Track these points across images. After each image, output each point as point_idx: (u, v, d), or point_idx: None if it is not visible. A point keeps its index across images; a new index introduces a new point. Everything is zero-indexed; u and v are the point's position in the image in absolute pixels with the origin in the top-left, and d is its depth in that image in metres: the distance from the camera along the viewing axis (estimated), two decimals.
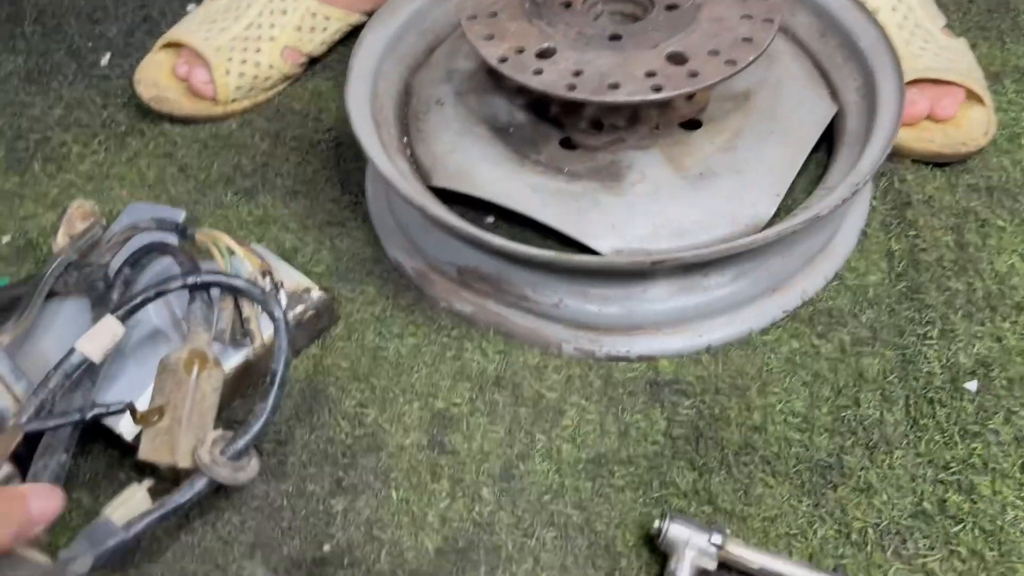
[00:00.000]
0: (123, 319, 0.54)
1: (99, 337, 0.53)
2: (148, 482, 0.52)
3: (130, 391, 0.58)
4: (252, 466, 0.53)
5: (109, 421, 0.56)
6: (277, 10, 0.84)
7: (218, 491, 0.56)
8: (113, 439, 0.59)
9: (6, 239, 0.75)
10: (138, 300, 0.55)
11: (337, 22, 0.87)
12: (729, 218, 0.63)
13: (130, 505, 0.51)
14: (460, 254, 0.66)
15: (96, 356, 0.53)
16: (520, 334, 0.66)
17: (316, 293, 0.65)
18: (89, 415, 0.53)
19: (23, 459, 0.53)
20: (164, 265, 0.63)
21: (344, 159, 0.80)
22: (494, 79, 0.73)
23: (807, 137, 0.68)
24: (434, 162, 0.69)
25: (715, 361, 0.64)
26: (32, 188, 0.80)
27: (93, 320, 0.59)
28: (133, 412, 0.52)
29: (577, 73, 0.60)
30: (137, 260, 0.61)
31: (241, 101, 0.84)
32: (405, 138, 0.73)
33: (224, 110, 0.83)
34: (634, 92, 0.59)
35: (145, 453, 0.53)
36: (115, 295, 0.60)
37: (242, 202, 0.77)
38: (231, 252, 0.58)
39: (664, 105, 0.68)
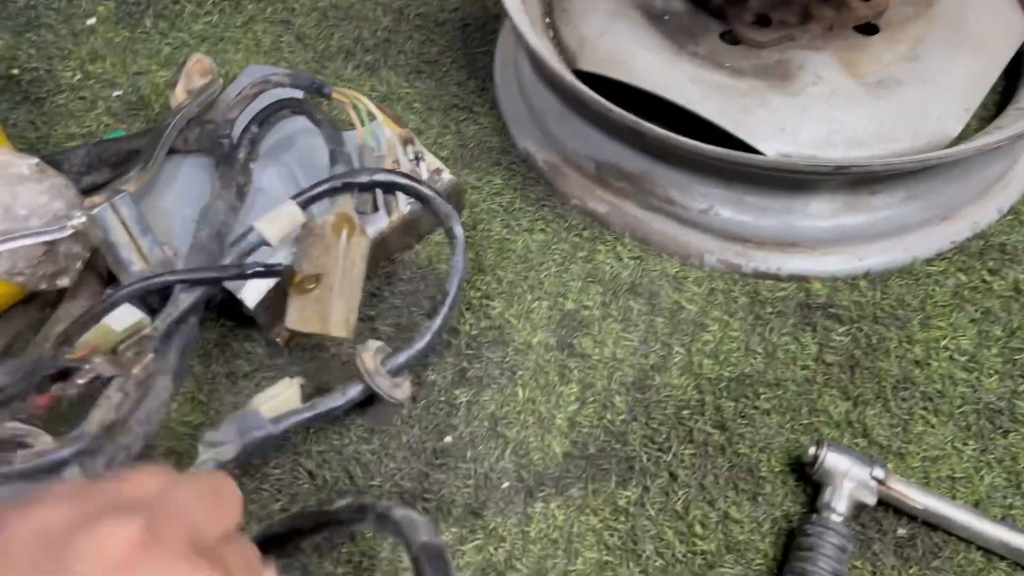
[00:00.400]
0: (303, 206, 0.50)
1: (279, 221, 0.49)
2: (299, 379, 0.49)
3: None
4: (406, 387, 0.49)
5: (233, 286, 0.53)
6: None
7: (361, 404, 0.51)
8: (228, 309, 0.56)
9: (117, 93, 0.72)
10: (320, 189, 0.50)
11: None
12: (910, 131, 0.57)
13: (280, 400, 0.47)
14: (602, 148, 0.61)
15: (274, 239, 0.49)
16: (658, 240, 0.61)
17: (447, 176, 0.60)
18: (250, 271, 0.48)
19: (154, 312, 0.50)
20: (296, 126, 0.59)
21: (470, 41, 0.75)
22: None
23: (1001, 52, 0.61)
24: (581, 45, 0.63)
25: (873, 288, 0.59)
26: (144, 44, 0.76)
27: (219, 179, 0.55)
28: (291, 276, 0.48)
29: None
30: (266, 118, 0.57)
31: None
32: (548, 18, 0.67)
33: None
34: None
35: (293, 322, 0.49)
36: (241, 154, 0.56)
37: (364, 76, 0.72)
38: (371, 116, 0.54)
39: (840, 4, 0.62)
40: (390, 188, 0.52)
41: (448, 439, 0.53)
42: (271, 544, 0.44)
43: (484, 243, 0.61)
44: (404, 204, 0.55)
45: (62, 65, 0.73)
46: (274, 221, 0.49)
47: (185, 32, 0.76)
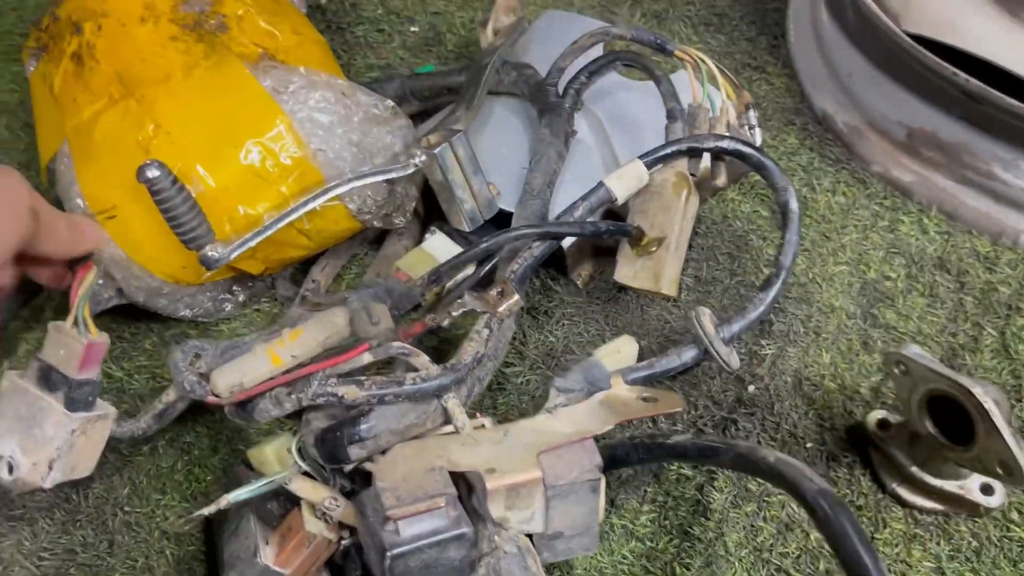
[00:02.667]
0: (649, 166, 0.51)
1: (626, 178, 0.50)
2: (635, 341, 0.50)
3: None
4: (736, 358, 0.49)
5: None
6: None
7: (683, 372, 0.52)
8: None
9: (414, 28, 0.74)
10: (668, 151, 0.51)
11: None
12: None
13: (619, 356, 0.49)
14: (917, 113, 0.59)
15: (621, 196, 0.50)
16: (967, 216, 0.59)
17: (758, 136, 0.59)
18: (604, 228, 0.50)
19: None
20: (608, 79, 0.59)
21: None
22: None
23: None
24: (907, 6, 0.61)
25: None
26: None
27: (546, 127, 0.56)
28: (639, 236, 0.49)
29: None
30: (598, 69, 0.57)
31: None
32: None
33: None
34: None
35: (623, 277, 0.50)
36: (567, 103, 0.57)
37: (651, 25, 0.72)
38: (711, 79, 0.53)
39: None
40: (733, 155, 0.52)
41: (752, 388, 0.53)
42: (613, 463, 0.45)
43: None
44: (722, 172, 0.54)
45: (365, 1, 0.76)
46: (622, 178, 0.50)
47: None
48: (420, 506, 0.38)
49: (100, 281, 0.52)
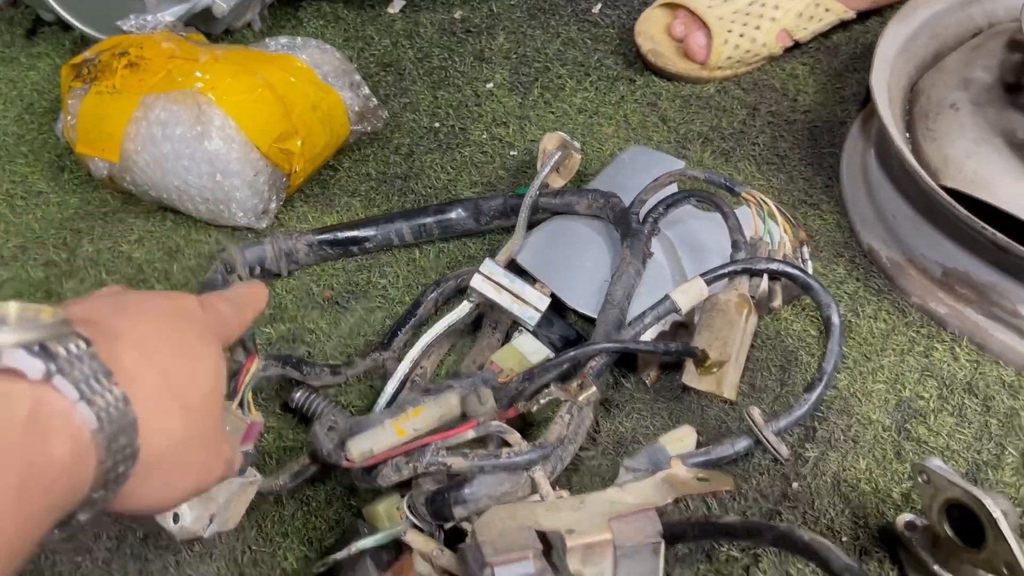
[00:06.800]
0: (709, 283, 0.61)
1: (689, 292, 0.60)
2: (694, 430, 0.59)
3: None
4: (785, 448, 0.58)
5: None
6: None
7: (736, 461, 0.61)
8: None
9: (513, 153, 0.86)
10: (726, 271, 0.61)
11: (832, 15, 0.90)
12: None
13: (680, 444, 0.58)
14: (952, 256, 0.68)
15: (684, 307, 0.60)
16: (995, 348, 0.66)
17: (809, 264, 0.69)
18: (675, 349, 0.59)
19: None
20: (683, 210, 0.70)
21: (818, 141, 0.84)
22: (1011, 94, 0.73)
23: None
24: (945, 163, 0.70)
25: None
26: (532, 111, 0.90)
27: (628, 248, 0.66)
28: (704, 358, 0.59)
29: None
30: (674, 202, 0.68)
31: (725, 70, 0.89)
32: (907, 133, 0.74)
33: (710, 75, 0.89)
34: None
35: (691, 380, 0.60)
36: (647, 229, 0.67)
37: (719, 163, 0.83)
38: (771, 217, 0.63)
39: None
40: (783, 276, 0.61)
41: (796, 485, 0.61)
42: (672, 539, 0.54)
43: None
44: (778, 295, 0.64)
45: (472, 125, 0.89)
46: (685, 292, 0.60)
47: (566, 104, 0.90)
48: (513, 555, 0.46)
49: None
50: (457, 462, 0.51)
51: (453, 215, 0.76)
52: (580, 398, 0.55)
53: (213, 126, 0.70)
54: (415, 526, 0.53)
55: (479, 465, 0.51)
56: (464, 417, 0.53)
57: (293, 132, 0.75)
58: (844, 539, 0.58)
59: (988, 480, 0.60)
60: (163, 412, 0.37)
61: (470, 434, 0.52)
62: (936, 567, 0.54)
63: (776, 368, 0.67)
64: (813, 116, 0.86)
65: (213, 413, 0.41)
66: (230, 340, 0.46)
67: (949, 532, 0.52)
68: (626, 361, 0.67)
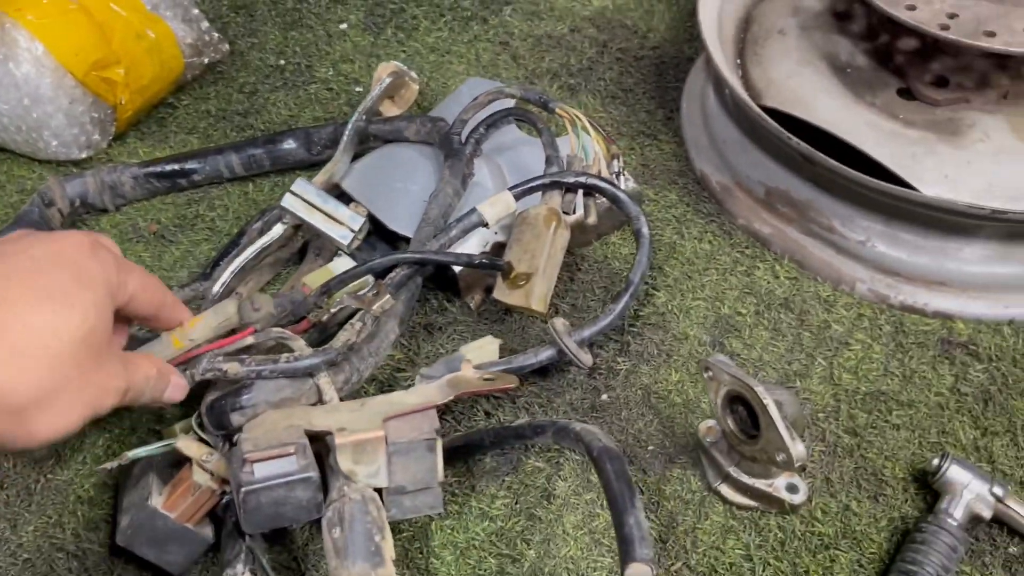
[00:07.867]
0: (517, 197, 0.60)
1: (496, 205, 0.59)
2: (498, 340, 0.58)
3: None
4: (588, 357, 0.57)
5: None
6: None
7: (543, 371, 0.61)
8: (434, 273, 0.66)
9: (359, 89, 0.85)
10: (534, 184, 0.60)
11: None
12: None
13: (482, 352, 0.57)
14: (774, 175, 0.68)
15: (491, 220, 0.59)
16: (814, 265, 0.67)
17: (632, 184, 0.68)
18: (477, 261, 0.59)
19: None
20: (509, 135, 0.69)
21: (664, 76, 0.84)
22: (840, 21, 0.74)
23: None
24: (768, 85, 0.71)
25: (1016, 335, 0.62)
26: (384, 50, 0.89)
27: (448, 168, 0.65)
28: (509, 270, 0.58)
29: (952, 16, 0.60)
30: (494, 122, 0.67)
31: None
32: (739, 59, 0.75)
33: None
34: (1011, 43, 0.58)
35: (500, 295, 0.59)
36: (468, 150, 0.66)
37: (565, 97, 0.82)
38: (585, 131, 0.63)
39: (1017, 75, 0.67)
40: (591, 189, 0.61)
41: (605, 396, 0.60)
42: (454, 454, 0.53)
43: (656, 245, 0.69)
44: (592, 211, 0.63)
45: (319, 63, 0.87)
46: (492, 205, 0.59)
47: (419, 43, 0.89)
48: (272, 451, 0.45)
49: None
50: (233, 367, 0.49)
51: (284, 145, 0.74)
52: (374, 307, 0.54)
53: (19, 47, 0.67)
54: (201, 439, 0.52)
55: (257, 370, 0.50)
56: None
57: (115, 60, 0.72)
58: (651, 448, 0.58)
59: (795, 388, 0.61)
60: (24, 367, 0.38)
61: (249, 340, 0.51)
62: (731, 469, 0.55)
63: (600, 289, 0.67)
64: (661, 52, 0.86)
65: (87, 357, 0.40)
66: (119, 298, 0.44)
67: (732, 426, 0.52)
68: (451, 284, 0.66)
